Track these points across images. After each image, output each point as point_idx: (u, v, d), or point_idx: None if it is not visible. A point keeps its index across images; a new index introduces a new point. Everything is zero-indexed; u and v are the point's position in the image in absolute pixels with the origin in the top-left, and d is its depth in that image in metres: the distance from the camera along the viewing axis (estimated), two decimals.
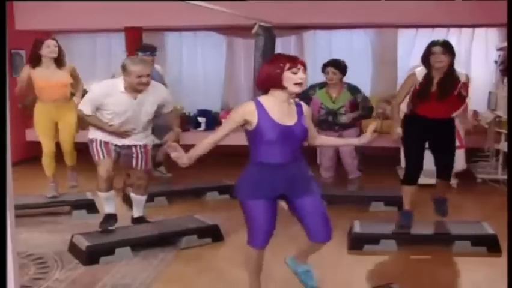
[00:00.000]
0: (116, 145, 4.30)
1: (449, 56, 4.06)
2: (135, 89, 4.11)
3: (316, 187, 3.07)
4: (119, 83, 4.15)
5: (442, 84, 4.12)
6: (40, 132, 5.16)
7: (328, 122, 5.51)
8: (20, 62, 7.34)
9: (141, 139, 4.36)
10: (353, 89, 5.53)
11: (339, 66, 5.40)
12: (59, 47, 5.07)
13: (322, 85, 5.53)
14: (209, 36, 7.90)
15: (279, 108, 2.86)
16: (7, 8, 2.30)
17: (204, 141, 2.91)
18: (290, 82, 2.82)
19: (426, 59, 4.11)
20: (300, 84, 2.83)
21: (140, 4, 6.80)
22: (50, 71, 5.03)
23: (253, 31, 5.73)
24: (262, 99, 2.89)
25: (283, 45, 7.50)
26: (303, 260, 3.23)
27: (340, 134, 5.58)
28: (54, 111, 5.10)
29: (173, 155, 2.82)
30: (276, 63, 2.86)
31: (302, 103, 3.07)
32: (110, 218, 4.35)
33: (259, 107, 2.84)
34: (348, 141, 3.91)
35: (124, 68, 4.09)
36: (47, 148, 5.15)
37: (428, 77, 4.12)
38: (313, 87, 5.55)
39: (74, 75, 5.20)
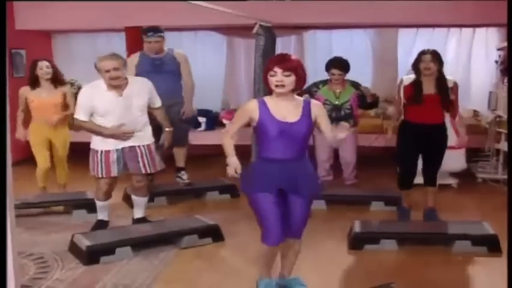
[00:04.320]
0: (118, 150, 4.22)
1: (436, 64, 4.44)
2: (110, 84, 4.09)
3: (318, 187, 3.10)
4: (102, 83, 4.15)
5: (440, 88, 4.46)
6: (35, 150, 5.32)
7: (331, 119, 5.55)
8: (20, 62, 7.34)
9: (143, 139, 4.33)
10: (355, 84, 5.67)
11: (343, 66, 5.53)
12: (54, 66, 5.25)
13: (325, 82, 5.62)
14: (209, 36, 7.89)
15: (281, 106, 2.95)
16: (7, 7, 2.30)
17: (227, 141, 3.01)
18: (272, 84, 2.93)
19: (416, 65, 4.51)
20: (278, 86, 2.90)
21: (141, 4, 6.79)
22: (45, 90, 5.21)
23: (254, 31, 5.73)
24: (267, 98, 3.02)
25: (284, 45, 7.48)
26: (287, 272, 3.27)
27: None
28: (48, 130, 5.25)
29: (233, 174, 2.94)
30: (265, 65, 3.01)
31: (313, 100, 3.12)
32: (102, 224, 4.48)
33: (262, 104, 2.96)
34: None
35: (95, 67, 4.11)
36: (41, 164, 5.33)
37: (416, 81, 4.48)
38: (315, 84, 5.65)
39: (66, 99, 5.28)
